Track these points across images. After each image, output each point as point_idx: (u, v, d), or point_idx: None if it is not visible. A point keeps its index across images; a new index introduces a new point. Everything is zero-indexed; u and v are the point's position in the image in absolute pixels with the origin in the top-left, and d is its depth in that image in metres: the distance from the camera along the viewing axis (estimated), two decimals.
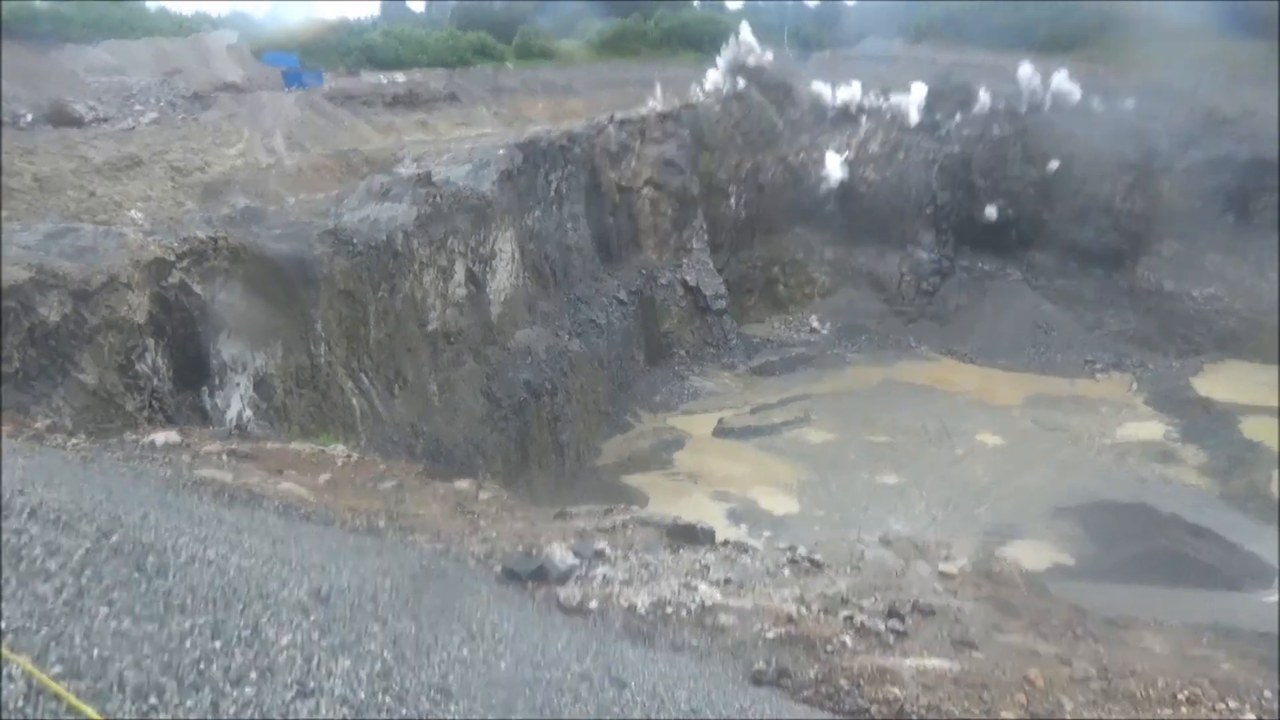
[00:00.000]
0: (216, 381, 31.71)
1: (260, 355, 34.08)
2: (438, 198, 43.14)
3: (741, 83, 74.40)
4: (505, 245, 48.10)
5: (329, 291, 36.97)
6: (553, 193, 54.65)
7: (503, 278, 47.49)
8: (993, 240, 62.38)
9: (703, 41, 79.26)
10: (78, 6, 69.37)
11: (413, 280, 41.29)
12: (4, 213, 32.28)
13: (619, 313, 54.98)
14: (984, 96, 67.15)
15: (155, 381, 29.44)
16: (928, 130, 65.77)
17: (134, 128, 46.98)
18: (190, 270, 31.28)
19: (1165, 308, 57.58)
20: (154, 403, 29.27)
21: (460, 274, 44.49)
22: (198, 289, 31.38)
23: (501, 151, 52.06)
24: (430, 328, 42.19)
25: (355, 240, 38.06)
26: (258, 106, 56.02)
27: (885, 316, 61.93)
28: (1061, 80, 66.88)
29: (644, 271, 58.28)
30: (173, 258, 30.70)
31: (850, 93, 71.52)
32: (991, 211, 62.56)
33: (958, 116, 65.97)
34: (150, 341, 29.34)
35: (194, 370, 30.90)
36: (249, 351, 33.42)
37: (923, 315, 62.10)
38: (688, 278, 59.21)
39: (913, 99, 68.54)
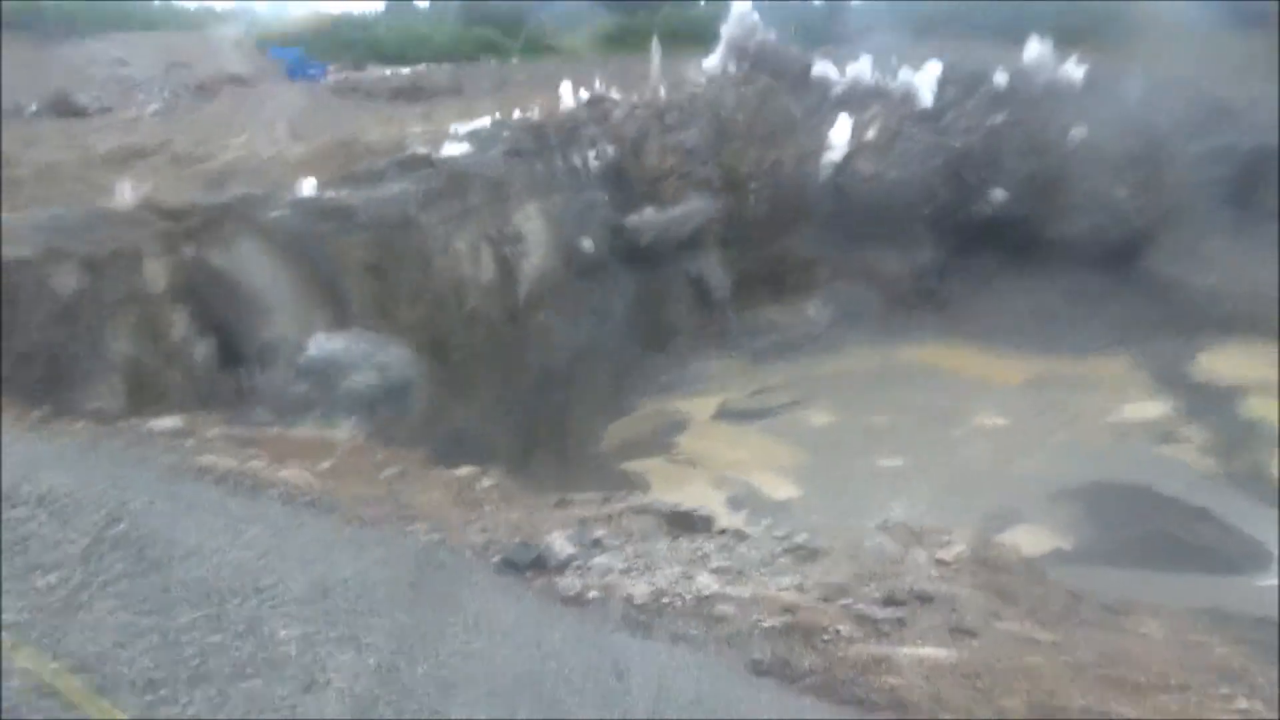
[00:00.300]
0: (261, 362, 31.63)
1: (304, 334, 33.80)
2: (440, 175, 43.04)
3: (744, 65, 73.44)
4: (534, 229, 47.88)
5: (353, 268, 36.77)
6: (572, 176, 54.14)
7: (532, 262, 47.31)
8: (995, 238, 61.14)
9: (708, 38, 78.77)
10: (83, 3, 69.37)
11: (438, 260, 41.05)
12: (6, 204, 32.27)
13: (622, 301, 54.88)
14: (989, 83, 66.52)
15: (193, 357, 29.28)
16: (930, 120, 64.54)
17: (137, 118, 47.06)
18: (204, 241, 31.03)
19: (1167, 296, 57.29)
20: (193, 382, 29.12)
21: (487, 256, 44.41)
22: (217, 262, 31.18)
23: (506, 133, 51.94)
24: (460, 310, 42.08)
25: (360, 216, 37.87)
26: (261, 98, 56.05)
27: (885, 302, 61.44)
28: (1068, 68, 66.37)
29: (650, 260, 57.71)
30: (181, 228, 30.62)
31: (858, 68, 70.01)
32: (992, 208, 61.11)
33: (962, 105, 64.96)
34: (177, 316, 29.23)
35: (231, 349, 30.71)
36: (295, 331, 33.11)
37: (924, 305, 61.36)
38: (689, 269, 58.63)
39: (926, 78, 67.13)
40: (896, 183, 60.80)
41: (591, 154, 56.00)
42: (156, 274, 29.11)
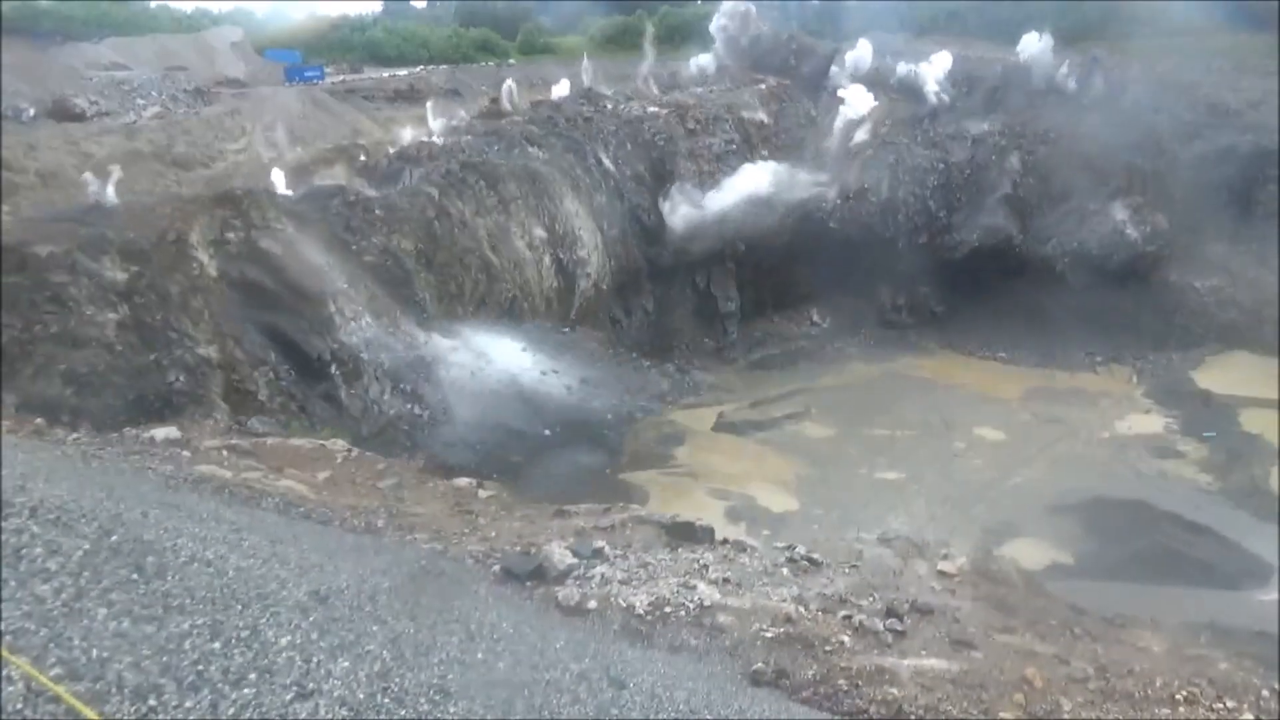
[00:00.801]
0: (343, 370, 30.11)
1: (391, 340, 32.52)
2: (454, 161, 42.65)
3: (745, 62, 72.54)
4: (585, 232, 47.67)
5: (403, 259, 35.81)
6: (605, 176, 53.38)
7: (590, 269, 47.03)
8: (991, 260, 59.17)
9: (705, 38, 78.82)
10: (81, 6, 69.41)
11: (496, 259, 40.16)
12: (6, 206, 32.18)
13: (641, 320, 54.43)
14: (986, 84, 65.94)
15: (271, 359, 27.75)
16: (923, 124, 63.33)
17: (136, 121, 47.02)
18: (244, 227, 29.71)
19: (1168, 300, 56.91)
20: (282, 388, 27.50)
21: (548, 259, 43.76)
22: (272, 249, 29.98)
23: (509, 123, 51.84)
24: (533, 314, 41.36)
25: (378, 209, 37.31)
26: (260, 101, 56.07)
27: (882, 323, 60.35)
28: (1064, 70, 65.96)
29: (665, 274, 56.69)
30: (218, 216, 29.43)
31: (858, 56, 68.68)
32: (987, 232, 59.06)
33: (959, 107, 64.07)
34: (239, 307, 27.73)
35: (302, 352, 29.45)
36: (379, 336, 31.61)
37: (921, 327, 59.83)
38: (698, 279, 57.82)
39: (934, 71, 65.75)
40: (887, 204, 58.88)
41: (629, 153, 55.05)
42: (206, 260, 27.83)
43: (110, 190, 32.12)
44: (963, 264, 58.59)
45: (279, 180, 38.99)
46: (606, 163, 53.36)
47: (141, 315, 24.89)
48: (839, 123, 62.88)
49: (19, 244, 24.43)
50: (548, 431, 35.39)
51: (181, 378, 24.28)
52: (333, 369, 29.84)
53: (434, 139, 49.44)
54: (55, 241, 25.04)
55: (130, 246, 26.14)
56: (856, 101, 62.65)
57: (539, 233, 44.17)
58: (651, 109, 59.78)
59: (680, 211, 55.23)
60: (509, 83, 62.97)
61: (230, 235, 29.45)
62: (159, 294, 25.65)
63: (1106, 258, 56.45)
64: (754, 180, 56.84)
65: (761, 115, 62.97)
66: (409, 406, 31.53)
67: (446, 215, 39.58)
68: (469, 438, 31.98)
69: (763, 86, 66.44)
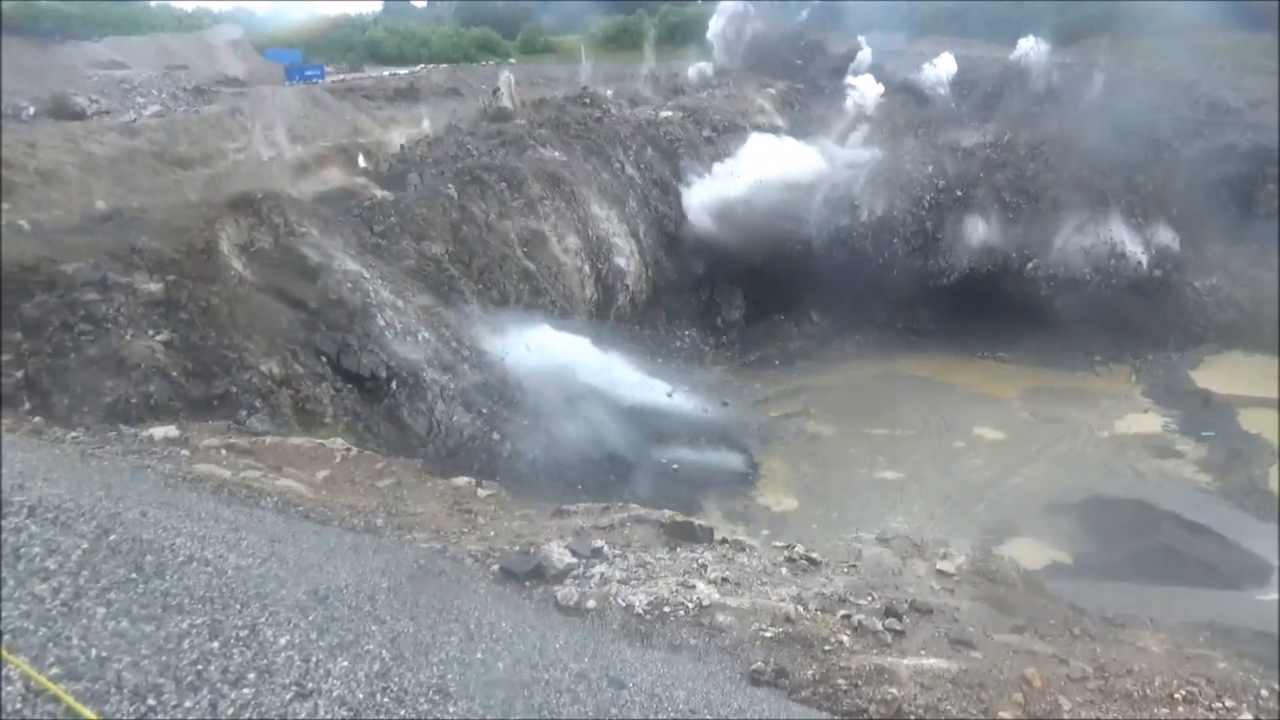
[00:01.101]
0: (403, 388, 27.78)
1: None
2: (466, 160, 42.28)
3: (749, 63, 72.23)
4: (620, 239, 47.17)
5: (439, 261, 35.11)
6: (630, 182, 52.63)
7: (629, 280, 46.68)
8: (987, 281, 57.46)
9: (705, 40, 78.89)
10: (81, 4, 69.55)
11: (533, 265, 39.57)
12: (6, 206, 32.05)
13: (653, 334, 53.94)
14: (985, 91, 65.69)
15: (329, 371, 25.73)
16: (919, 135, 62.45)
17: (136, 120, 46.94)
18: (269, 232, 28.54)
19: (1167, 300, 56.54)
20: (346, 407, 25.27)
21: (588, 269, 43.45)
22: (307, 255, 28.67)
23: (509, 126, 51.67)
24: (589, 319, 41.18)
25: (396, 213, 36.94)
26: (260, 100, 56.00)
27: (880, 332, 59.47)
28: (1056, 78, 65.74)
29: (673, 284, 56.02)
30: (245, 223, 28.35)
31: (860, 55, 68.13)
32: (980, 256, 55.29)
33: (959, 118, 63.57)
34: (292, 323, 25.82)
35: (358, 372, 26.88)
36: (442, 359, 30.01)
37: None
38: (701, 287, 57.18)
39: (940, 72, 65.04)
40: (882, 222, 56.87)
41: (639, 155, 54.57)
42: (242, 269, 26.54)
43: (100, 205, 32.03)
44: (958, 285, 56.89)
45: (286, 180, 38.86)
46: (630, 169, 52.94)
47: (189, 334, 22.63)
48: (847, 105, 62.44)
49: (40, 260, 22.68)
50: (675, 466, 34.57)
51: (257, 403, 22.04)
52: (392, 385, 27.43)
53: (437, 138, 49.33)
54: (76, 255, 23.49)
55: (159, 257, 24.50)
56: (865, 90, 62.35)
57: (572, 240, 43.71)
58: (664, 113, 59.27)
59: (708, 211, 54.58)
60: (507, 75, 62.77)
61: (260, 242, 28.14)
62: (202, 308, 23.58)
63: (1107, 283, 54.97)
64: (786, 163, 56.10)
65: (777, 120, 62.50)
66: (487, 429, 29.07)
67: (471, 219, 39.09)
68: (571, 468, 30.39)
69: (772, 90, 65.93)
